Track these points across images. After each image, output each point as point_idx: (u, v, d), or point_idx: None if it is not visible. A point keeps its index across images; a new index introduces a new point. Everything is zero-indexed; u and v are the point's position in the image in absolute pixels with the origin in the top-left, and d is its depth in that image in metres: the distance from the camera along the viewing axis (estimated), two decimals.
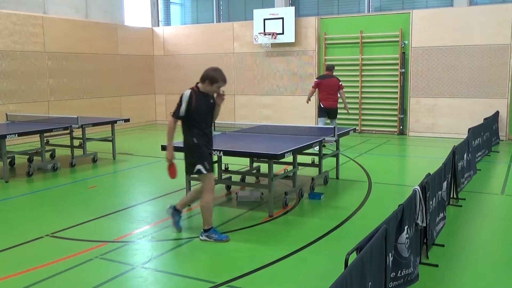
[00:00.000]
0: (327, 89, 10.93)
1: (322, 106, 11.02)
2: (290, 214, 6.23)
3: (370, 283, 2.91)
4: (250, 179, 7.99)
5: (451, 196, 6.42)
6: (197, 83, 5.39)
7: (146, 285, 4.28)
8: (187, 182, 6.65)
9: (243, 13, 16.21)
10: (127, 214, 6.35)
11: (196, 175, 5.33)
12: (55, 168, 8.98)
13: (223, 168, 7.35)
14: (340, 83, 11.04)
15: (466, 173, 7.31)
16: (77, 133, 9.75)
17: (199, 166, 5.16)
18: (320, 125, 10.80)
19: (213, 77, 5.29)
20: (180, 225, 5.61)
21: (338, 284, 2.47)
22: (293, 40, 14.26)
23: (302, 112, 14.50)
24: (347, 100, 11.57)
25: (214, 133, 7.87)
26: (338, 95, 11.07)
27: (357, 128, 12.23)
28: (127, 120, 10.55)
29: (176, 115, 5.21)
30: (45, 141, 9.37)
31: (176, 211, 5.59)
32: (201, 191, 5.35)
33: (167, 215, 5.70)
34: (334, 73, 11.21)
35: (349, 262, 2.76)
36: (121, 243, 5.26)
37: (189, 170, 5.25)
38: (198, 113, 5.21)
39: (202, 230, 5.30)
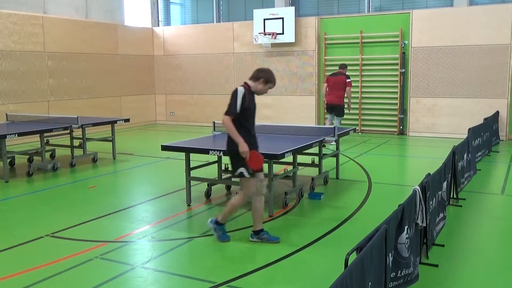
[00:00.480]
0: (332, 84, 11.44)
1: (324, 101, 11.80)
2: (290, 214, 6.23)
3: (370, 283, 2.91)
4: None
5: (451, 196, 6.41)
6: (246, 82, 5.13)
7: (146, 285, 4.28)
8: (187, 182, 6.65)
9: (243, 13, 16.22)
10: (127, 214, 6.35)
11: (238, 178, 5.15)
12: (55, 168, 8.98)
13: (223, 168, 7.35)
14: (348, 80, 11.43)
15: (466, 173, 7.31)
16: (77, 133, 9.75)
17: (242, 169, 4.96)
18: (327, 121, 11.79)
19: (268, 77, 5.09)
20: (227, 235, 5.31)
21: (338, 284, 2.46)
22: (293, 40, 14.26)
23: (302, 112, 14.51)
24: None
25: (214, 133, 7.92)
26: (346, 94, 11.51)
27: (357, 128, 12.22)
28: (127, 120, 10.55)
29: (233, 112, 4.85)
30: (45, 141, 9.37)
31: (218, 225, 5.27)
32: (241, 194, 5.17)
33: (209, 228, 5.37)
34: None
35: (349, 262, 2.76)
36: (121, 243, 5.26)
37: (233, 171, 5.09)
38: (249, 111, 4.98)
39: (252, 232, 5.22)
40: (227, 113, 4.90)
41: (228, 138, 5.05)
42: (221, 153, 6.15)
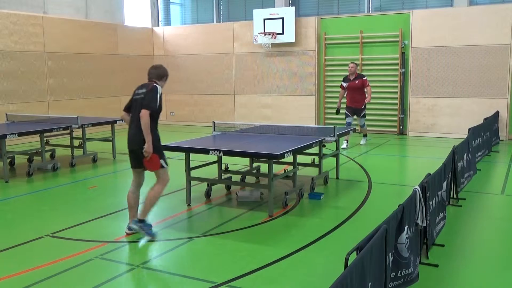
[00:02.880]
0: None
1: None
2: (290, 214, 6.23)
3: (370, 283, 2.91)
4: (250, 179, 7.99)
5: (451, 196, 6.41)
6: (154, 80, 5.47)
7: (146, 285, 4.28)
8: (187, 182, 6.65)
9: (243, 13, 16.22)
10: (127, 214, 6.32)
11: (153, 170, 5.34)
12: (55, 168, 8.98)
13: (223, 168, 7.35)
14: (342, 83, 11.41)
15: (466, 173, 7.31)
16: (77, 133, 9.75)
17: (161, 161, 5.31)
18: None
19: (167, 73, 5.66)
20: (153, 231, 5.41)
21: (338, 284, 2.46)
22: (293, 40, 14.26)
23: (302, 112, 14.51)
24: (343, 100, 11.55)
25: (214, 133, 7.92)
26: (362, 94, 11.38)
27: (357, 128, 12.22)
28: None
29: (153, 107, 5.17)
30: (45, 141, 9.36)
31: (141, 222, 5.37)
32: (157, 183, 5.39)
33: (139, 232, 5.38)
34: (341, 73, 11.85)
35: (349, 262, 2.76)
36: (121, 243, 5.26)
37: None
38: (160, 110, 5.33)
39: (137, 220, 5.33)
40: (148, 107, 5.12)
41: (138, 133, 5.17)
42: (221, 153, 6.16)
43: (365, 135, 11.84)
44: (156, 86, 5.31)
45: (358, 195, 7.13)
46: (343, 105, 11.40)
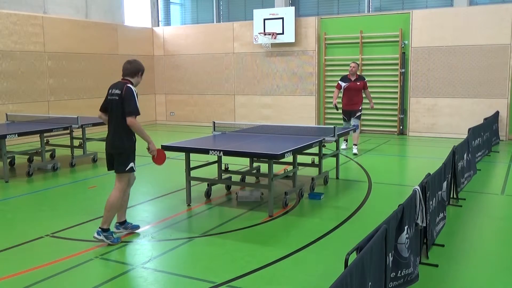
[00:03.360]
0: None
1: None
2: (290, 214, 6.23)
3: (370, 283, 2.91)
4: (250, 179, 7.99)
5: (451, 196, 6.41)
6: (126, 78, 5.34)
7: (146, 285, 4.28)
8: (187, 182, 6.65)
9: (243, 13, 16.21)
10: (127, 214, 6.32)
11: (122, 173, 5.25)
12: (55, 168, 8.98)
13: (223, 168, 7.35)
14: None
15: (466, 173, 7.31)
16: (77, 133, 9.75)
17: (132, 164, 5.27)
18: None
19: (143, 67, 5.49)
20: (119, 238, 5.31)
21: (338, 284, 2.47)
22: (293, 40, 14.26)
23: (302, 112, 14.50)
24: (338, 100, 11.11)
25: (214, 133, 7.92)
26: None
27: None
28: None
29: (137, 111, 5.16)
30: (45, 141, 9.37)
31: (105, 231, 5.19)
32: (116, 189, 5.26)
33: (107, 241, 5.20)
34: (341, 73, 11.41)
35: (349, 262, 2.76)
36: (121, 243, 5.26)
37: (123, 167, 5.19)
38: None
39: (100, 229, 5.14)
40: (131, 114, 5.11)
41: (115, 136, 5.16)
42: (221, 153, 6.16)
43: (355, 144, 10.54)
44: (131, 88, 5.20)
45: (358, 195, 7.13)
46: (339, 105, 10.60)
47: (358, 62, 11.87)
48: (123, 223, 5.53)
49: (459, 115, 12.65)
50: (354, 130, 9.30)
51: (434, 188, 4.89)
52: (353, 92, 10.42)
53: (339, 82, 10.56)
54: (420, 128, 13.20)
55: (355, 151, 10.40)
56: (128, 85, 5.23)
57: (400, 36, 13.13)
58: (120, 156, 5.22)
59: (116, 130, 5.20)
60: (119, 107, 5.15)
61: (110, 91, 5.33)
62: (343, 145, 10.82)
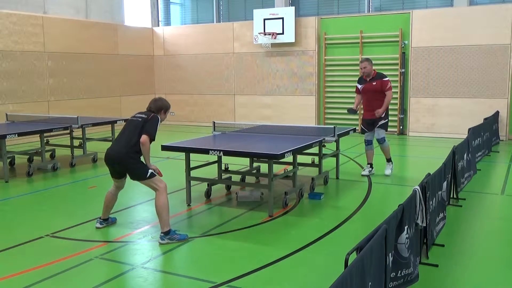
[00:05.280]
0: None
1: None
2: (290, 214, 6.23)
3: (370, 283, 2.91)
4: (250, 179, 7.99)
5: (451, 196, 6.41)
6: (154, 112, 5.52)
7: (146, 285, 4.28)
8: (187, 182, 6.65)
9: (243, 13, 16.22)
10: (127, 214, 6.34)
11: (145, 180, 5.33)
12: (55, 168, 8.98)
13: (223, 168, 7.35)
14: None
15: (466, 173, 7.31)
16: (77, 133, 9.75)
17: (151, 170, 5.33)
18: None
19: (167, 105, 5.66)
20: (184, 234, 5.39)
21: (338, 284, 2.46)
22: (293, 40, 14.26)
23: (302, 112, 14.50)
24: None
25: (214, 133, 7.92)
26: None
27: (357, 128, 12.19)
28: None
29: (154, 136, 5.32)
30: (45, 141, 9.37)
31: (169, 234, 5.27)
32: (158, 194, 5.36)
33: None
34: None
35: (349, 262, 2.76)
36: (121, 243, 5.26)
37: (144, 175, 5.28)
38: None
39: (162, 234, 5.21)
40: (149, 135, 5.23)
41: (124, 152, 5.25)
42: (221, 153, 6.16)
43: (389, 160, 8.47)
44: (158, 117, 5.43)
45: (358, 195, 7.13)
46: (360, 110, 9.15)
47: (369, 57, 9.34)
48: (106, 220, 5.77)
49: (459, 115, 12.64)
50: (381, 143, 8.13)
51: (434, 188, 4.89)
52: (371, 96, 8.12)
53: (356, 84, 8.43)
54: (420, 128, 13.20)
55: (388, 172, 8.36)
56: (156, 114, 5.46)
57: (400, 36, 13.13)
58: (135, 169, 5.30)
59: (126, 146, 5.30)
60: (138, 127, 5.29)
61: (134, 114, 5.60)
62: (365, 171, 8.36)
